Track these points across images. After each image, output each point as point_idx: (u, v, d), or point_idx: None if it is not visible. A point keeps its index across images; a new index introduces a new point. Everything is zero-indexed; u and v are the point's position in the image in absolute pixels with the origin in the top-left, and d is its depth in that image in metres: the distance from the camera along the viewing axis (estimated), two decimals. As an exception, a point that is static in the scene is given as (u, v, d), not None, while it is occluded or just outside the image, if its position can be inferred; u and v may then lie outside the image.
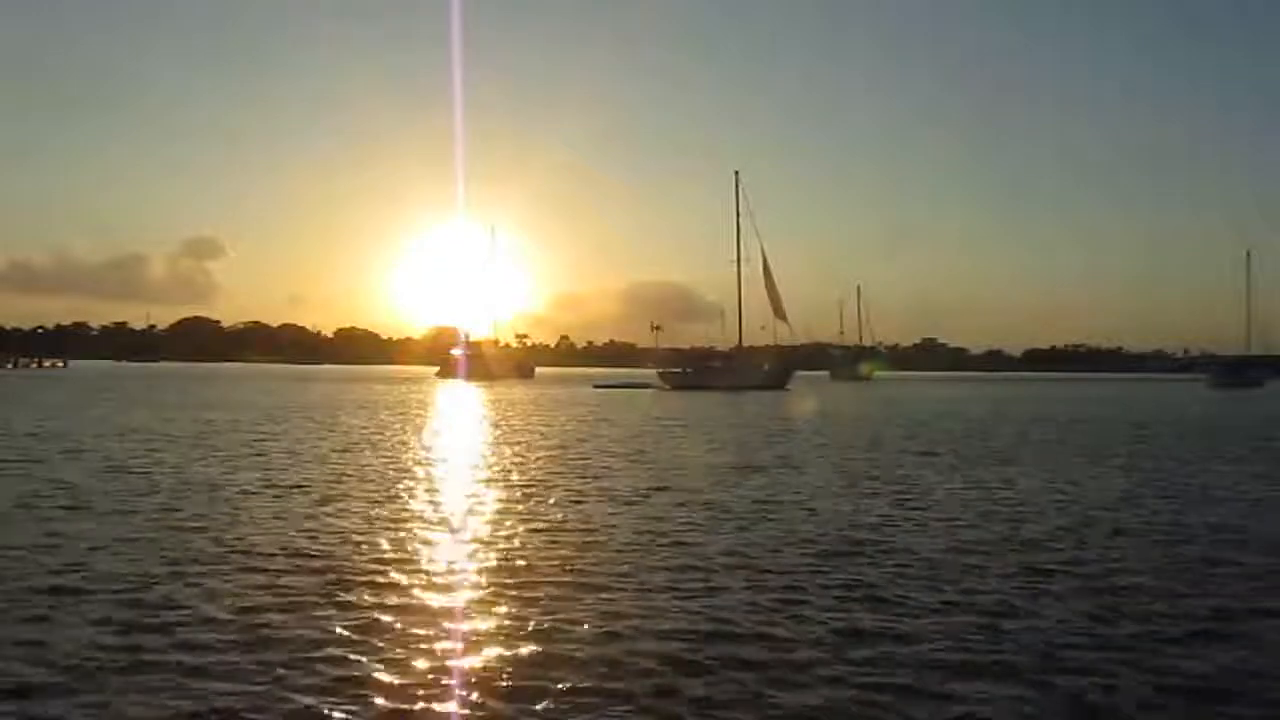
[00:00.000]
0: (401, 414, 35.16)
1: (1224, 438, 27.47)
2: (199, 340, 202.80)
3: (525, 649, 6.48)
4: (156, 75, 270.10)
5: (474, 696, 5.65)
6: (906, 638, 6.77)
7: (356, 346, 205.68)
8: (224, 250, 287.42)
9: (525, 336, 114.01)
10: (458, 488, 14.88)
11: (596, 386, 73.77)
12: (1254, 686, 5.95)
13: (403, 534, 10.57)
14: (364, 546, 9.78)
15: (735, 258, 79.37)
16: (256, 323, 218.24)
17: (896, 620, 7.20)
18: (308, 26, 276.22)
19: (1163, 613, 7.53)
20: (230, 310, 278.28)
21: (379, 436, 24.30)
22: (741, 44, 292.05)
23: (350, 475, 15.77)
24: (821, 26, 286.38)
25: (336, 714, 5.37)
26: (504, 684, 5.84)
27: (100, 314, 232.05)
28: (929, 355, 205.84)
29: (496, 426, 29.32)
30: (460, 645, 6.60)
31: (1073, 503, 13.62)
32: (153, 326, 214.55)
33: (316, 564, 8.90)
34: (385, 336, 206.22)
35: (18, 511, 11.57)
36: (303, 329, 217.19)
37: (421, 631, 6.85)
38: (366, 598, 7.74)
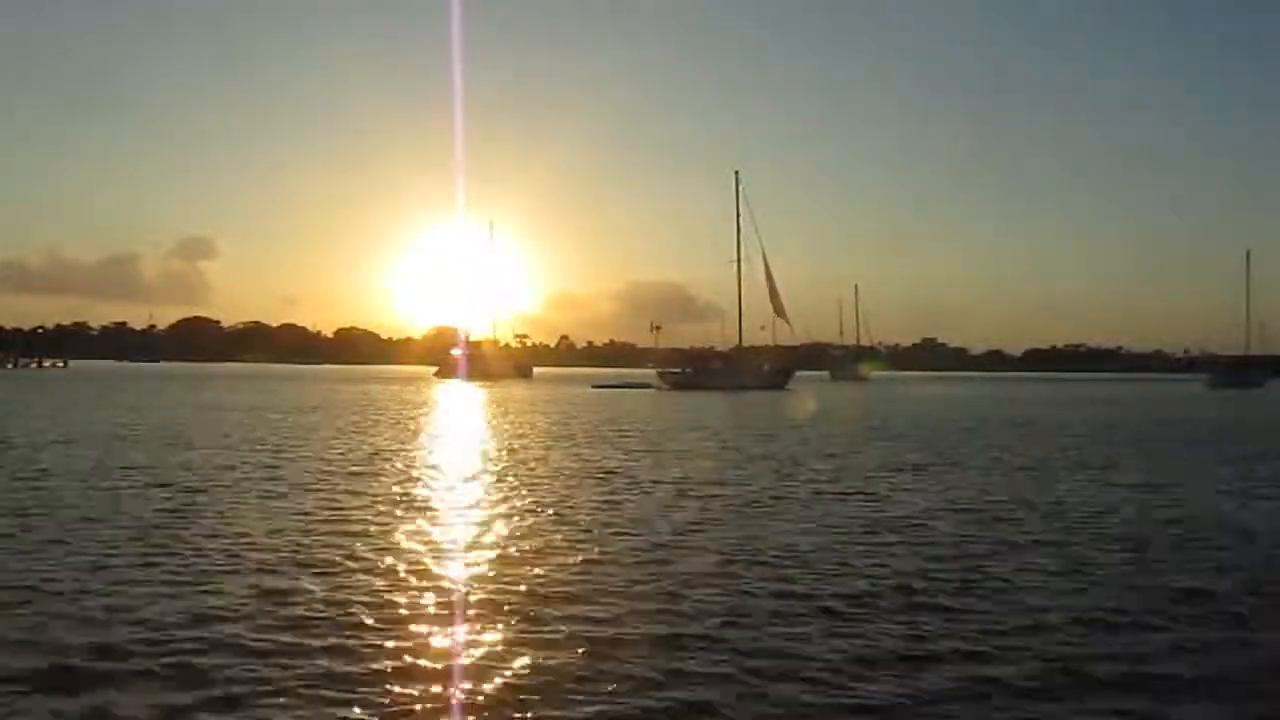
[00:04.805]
0: (370, 419, 35.11)
1: (1179, 440, 27.43)
2: (199, 341, 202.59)
3: (506, 666, 6.46)
4: (153, 75, 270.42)
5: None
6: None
7: (356, 347, 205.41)
8: (218, 250, 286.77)
9: (525, 336, 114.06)
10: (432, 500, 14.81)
11: (595, 387, 73.65)
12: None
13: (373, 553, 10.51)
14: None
15: (735, 258, 79.54)
16: (256, 323, 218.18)
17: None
18: (307, 26, 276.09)
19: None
20: (226, 310, 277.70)
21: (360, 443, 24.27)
22: (741, 44, 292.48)
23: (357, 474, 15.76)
24: (822, 27, 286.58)
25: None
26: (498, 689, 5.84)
27: (96, 314, 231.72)
28: (929, 355, 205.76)
29: (488, 430, 29.29)
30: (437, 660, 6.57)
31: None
32: (153, 327, 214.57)
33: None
34: (385, 337, 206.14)
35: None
36: (302, 329, 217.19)
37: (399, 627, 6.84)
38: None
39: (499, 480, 15.72)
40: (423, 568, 8.96)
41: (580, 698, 5.69)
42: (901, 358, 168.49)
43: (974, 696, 5.79)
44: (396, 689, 5.79)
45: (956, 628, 7.15)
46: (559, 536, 10.61)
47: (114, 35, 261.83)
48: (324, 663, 6.22)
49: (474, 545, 10.16)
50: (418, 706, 5.56)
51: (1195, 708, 5.72)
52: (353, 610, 7.41)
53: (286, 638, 6.71)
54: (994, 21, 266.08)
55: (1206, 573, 9.15)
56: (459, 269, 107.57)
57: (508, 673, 6.09)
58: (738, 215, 79.41)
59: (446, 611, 7.51)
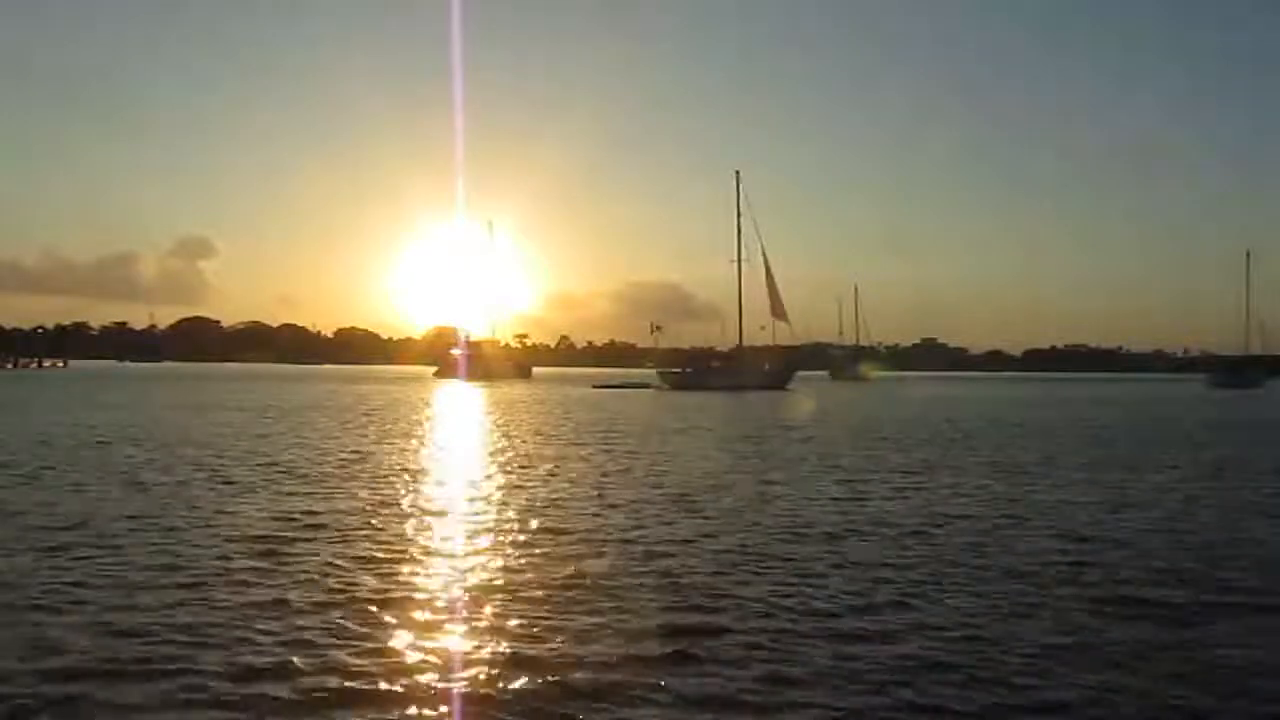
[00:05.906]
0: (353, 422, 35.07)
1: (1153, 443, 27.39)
2: (199, 341, 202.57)
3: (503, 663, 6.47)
4: (152, 75, 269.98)
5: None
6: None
7: (356, 347, 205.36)
8: (217, 250, 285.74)
9: (525, 336, 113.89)
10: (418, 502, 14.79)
11: (596, 387, 73.68)
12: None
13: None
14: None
15: (735, 257, 79.48)
16: (257, 323, 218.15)
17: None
18: (307, 26, 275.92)
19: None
20: (226, 310, 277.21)
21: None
22: (741, 44, 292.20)
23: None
24: (822, 27, 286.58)
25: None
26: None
27: (96, 314, 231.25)
28: (929, 355, 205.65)
29: (486, 431, 29.29)
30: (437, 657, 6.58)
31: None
32: (153, 327, 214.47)
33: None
34: (385, 337, 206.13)
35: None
36: (302, 329, 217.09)
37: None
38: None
39: (492, 482, 15.73)
40: (405, 569, 8.99)
41: (576, 698, 5.71)
42: (901, 358, 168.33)
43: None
44: (390, 689, 5.82)
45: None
46: (553, 537, 10.63)
47: (115, 35, 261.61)
48: (310, 665, 6.25)
49: (463, 546, 10.18)
50: (413, 708, 5.58)
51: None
52: (338, 610, 7.45)
53: (270, 638, 6.74)
54: (994, 21, 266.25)
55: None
56: (459, 269, 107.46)
57: (500, 674, 6.11)
58: (738, 215, 79.49)
59: (434, 614, 7.53)
